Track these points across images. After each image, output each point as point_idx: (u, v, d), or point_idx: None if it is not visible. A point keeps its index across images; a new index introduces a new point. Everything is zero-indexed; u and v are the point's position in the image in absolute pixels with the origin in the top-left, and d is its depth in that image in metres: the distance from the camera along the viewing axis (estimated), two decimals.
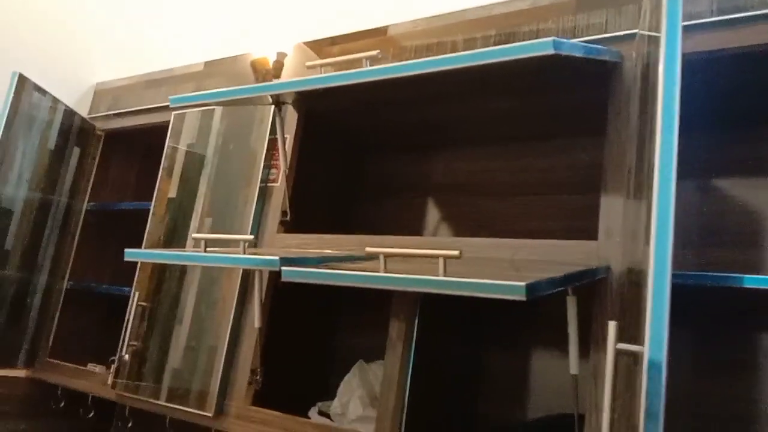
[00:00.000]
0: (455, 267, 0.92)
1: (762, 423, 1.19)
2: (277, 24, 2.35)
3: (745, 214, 1.29)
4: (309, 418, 1.46)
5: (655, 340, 0.66)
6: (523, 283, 0.78)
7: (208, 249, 1.17)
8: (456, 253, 0.90)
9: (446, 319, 1.39)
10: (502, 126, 1.50)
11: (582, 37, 1.20)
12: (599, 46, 1.08)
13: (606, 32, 1.18)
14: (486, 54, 0.91)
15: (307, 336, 1.68)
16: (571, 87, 1.25)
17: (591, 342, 1.06)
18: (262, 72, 1.84)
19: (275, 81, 1.17)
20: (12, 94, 1.74)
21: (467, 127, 1.54)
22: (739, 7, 1.06)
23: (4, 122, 1.72)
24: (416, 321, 1.27)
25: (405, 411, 1.23)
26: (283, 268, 1.01)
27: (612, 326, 0.74)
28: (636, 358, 0.73)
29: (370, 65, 1.11)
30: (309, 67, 1.16)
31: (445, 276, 0.88)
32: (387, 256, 0.97)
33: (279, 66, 1.83)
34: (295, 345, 1.62)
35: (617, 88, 1.14)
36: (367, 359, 1.56)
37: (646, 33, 0.95)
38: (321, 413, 1.49)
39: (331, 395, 1.54)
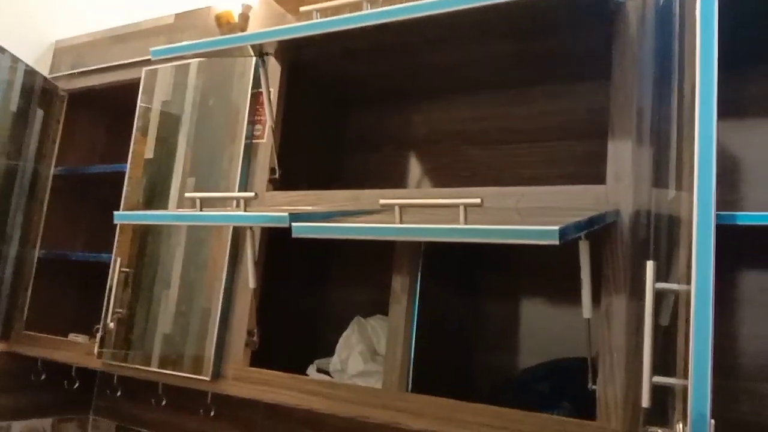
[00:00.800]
0: (473, 216, 0.90)
1: (740, 356, 1.21)
2: None
3: (726, 156, 1.30)
4: (307, 375, 1.44)
5: (702, 279, 0.66)
6: (556, 228, 0.76)
7: (204, 208, 1.13)
8: (477, 201, 0.88)
9: (446, 271, 1.38)
10: (498, 71, 1.47)
11: None
12: None
13: None
14: None
15: (300, 294, 1.65)
16: (570, 29, 1.22)
17: (602, 285, 1.06)
18: (228, 26, 1.76)
19: (271, 28, 1.10)
20: None
21: (462, 74, 1.51)
22: None
23: None
24: (419, 274, 1.26)
25: (412, 363, 1.23)
26: (293, 224, 0.97)
27: (650, 266, 0.73)
28: (676, 297, 0.73)
29: (370, 8, 1.06)
30: (303, 13, 1.10)
31: (466, 225, 0.86)
32: (402, 207, 0.94)
33: (245, 19, 1.75)
34: (288, 303, 1.59)
35: (621, 30, 1.12)
36: (361, 314, 1.54)
37: None
38: (320, 370, 1.47)
39: (326, 352, 1.53)
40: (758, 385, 1.19)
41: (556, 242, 0.76)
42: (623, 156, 1.08)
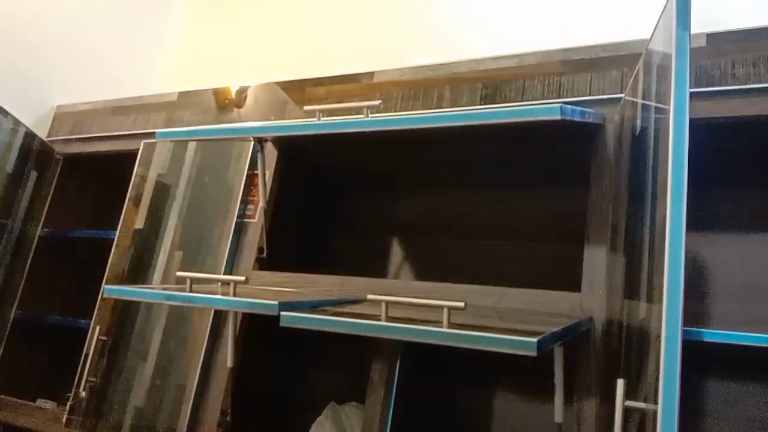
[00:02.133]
0: (456, 317, 0.95)
1: None
2: (244, 59, 2.36)
3: (695, 267, 1.37)
4: None
5: (668, 399, 0.70)
6: (534, 340, 0.81)
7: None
8: (461, 304, 0.93)
9: (424, 361, 1.41)
10: (483, 172, 1.55)
11: (566, 97, 1.27)
12: (589, 110, 1.14)
13: (590, 95, 1.25)
14: (496, 114, 0.95)
15: (276, 374, 1.66)
16: (553, 141, 1.31)
17: (575, 391, 1.10)
18: (224, 101, 1.84)
19: (278, 122, 1.17)
20: None
21: (450, 171, 1.59)
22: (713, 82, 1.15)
23: None
24: (397, 366, 1.29)
25: None
26: (282, 313, 1.00)
27: (620, 384, 0.78)
28: (644, 414, 0.77)
29: (370, 114, 1.13)
30: (307, 111, 1.17)
31: (449, 327, 0.91)
32: (389, 303, 0.98)
33: (242, 97, 1.83)
34: (264, 383, 1.59)
35: (600, 148, 1.20)
36: (336, 397, 1.55)
37: (639, 101, 1.01)
38: None
39: None
40: None
41: (534, 354, 0.80)
42: (598, 266, 1.15)
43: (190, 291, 1.15)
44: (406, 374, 1.30)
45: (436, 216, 1.71)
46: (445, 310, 0.92)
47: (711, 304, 1.33)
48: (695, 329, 1.07)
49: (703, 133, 1.20)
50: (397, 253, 1.75)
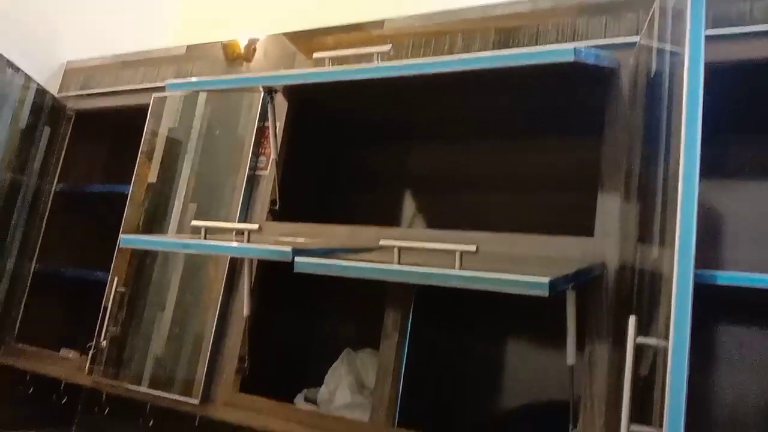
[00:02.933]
0: (468, 261, 0.96)
1: (715, 408, 1.26)
2: (252, 12, 2.33)
3: (709, 215, 1.37)
4: (294, 404, 1.47)
5: (679, 335, 0.71)
6: (546, 280, 0.81)
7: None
8: (473, 248, 0.93)
9: (437, 310, 1.43)
10: (493, 122, 1.54)
11: (580, 41, 1.25)
12: (603, 52, 1.12)
13: (605, 38, 1.22)
14: (509, 57, 0.94)
15: (291, 324, 1.69)
16: (566, 89, 1.29)
17: (586, 334, 1.11)
18: (232, 54, 1.83)
19: (287, 71, 1.16)
20: None
21: (460, 121, 1.58)
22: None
23: None
24: (411, 312, 1.31)
25: (399, 399, 1.27)
26: (296, 259, 1.02)
27: (632, 321, 0.79)
28: (655, 351, 0.78)
29: (380, 61, 1.12)
30: (316, 59, 1.16)
31: (461, 270, 0.92)
32: (402, 249, 0.99)
33: (251, 50, 1.82)
34: (279, 333, 1.63)
35: (614, 94, 1.19)
36: (350, 347, 1.58)
37: (655, 45, 1.00)
38: (307, 400, 1.50)
39: (314, 382, 1.56)
40: None
41: (546, 294, 0.81)
42: (611, 211, 1.15)
43: (205, 239, 1.16)
44: (419, 322, 1.32)
45: (449, 167, 1.71)
46: (457, 254, 0.93)
47: (724, 251, 1.33)
48: (708, 272, 1.07)
49: (718, 77, 1.18)
50: (409, 204, 1.75)
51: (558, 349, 1.45)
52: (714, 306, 1.31)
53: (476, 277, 0.85)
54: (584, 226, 1.21)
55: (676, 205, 0.77)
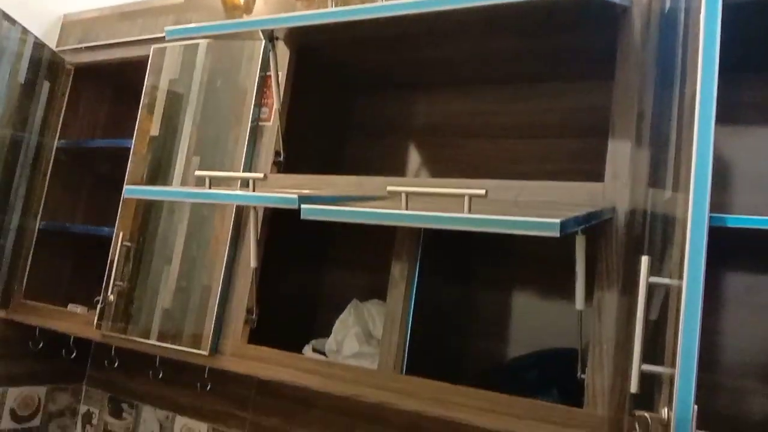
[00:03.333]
0: (476, 207, 0.94)
1: (721, 353, 1.26)
2: None
3: (722, 159, 1.35)
4: (303, 355, 1.48)
5: (693, 275, 0.70)
6: (557, 220, 0.80)
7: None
8: (482, 192, 0.92)
9: (443, 260, 1.42)
10: (501, 67, 1.51)
11: None
12: None
13: None
14: None
15: (298, 276, 1.69)
16: (575, 30, 1.26)
17: (595, 279, 1.10)
18: (231, 7, 1.78)
19: (287, 14, 1.13)
20: None
21: (466, 67, 1.54)
22: None
23: None
24: (418, 262, 1.30)
25: (407, 347, 1.27)
26: (303, 206, 1.00)
27: (645, 261, 0.78)
28: (667, 292, 0.77)
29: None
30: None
31: (471, 213, 0.90)
32: (409, 194, 0.98)
33: (251, 0, 1.77)
34: (286, 284, 1.63)
35: (626, 34, 1.15)
36: (356, 298, 1.58)
37: None
38: (315, 350, 1.51)
39: (322, 334, 1.57)
40: (736, 381, 1.24)
41: (557, 234, 0.80)
42: (622, 155, 1.12)
43: (210, 189, 1.15)
44: (426, 272, 1.31)
45: (454, 116, 1.69)
46: (466, 198, 0.92)
47: (736, 195, 1.31)
48: (718, 215, 1.05)
49: (733, 16, 1.14)
50: (414, 154, 1.73)
51: (564, 298, 1.45)
52: (722, 250, 1.29)
53: (487, 220, 0.84)
54: (593, 173, 1.19)
55: (691, 146, 0.75)
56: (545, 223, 0.80)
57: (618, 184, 1.11)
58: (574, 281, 1.11)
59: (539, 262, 1.51)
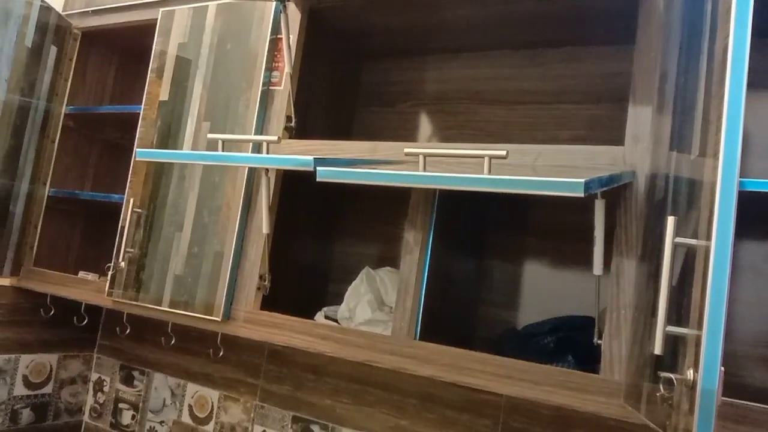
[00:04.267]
0: (496, 170, 0.92)
1: (737, 321, 1.25)
2: None
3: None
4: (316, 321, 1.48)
5: (721, 236, 0.69)
6: (582, 180, 0.78)
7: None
8: (503, 152, 0.90)
9: (455, 229, 1.40)
10: (518, 31, 1.48)
11: None
12: None
13: None
14: None
15: (309, 243, 1.68)
16: None
17: (614, 244, 1.09)
18: None
19: None
20: None
21: (481, 32, 1.51)
22: None
23: None
24: (432, 228, 1.28)
25: (421, 313, 1.26)
26: (318, 168, 0.99)
27: (671, 221, 0.76)
28: (691, 253, 0.75)
29: None
30: None
31: (491, 175, 0.88)
32: (427, 156, 0.96)
33: None
34: (297, 252, 1.62)
35: None
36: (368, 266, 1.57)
37: None
38: (327, 318, 1.51)
39: (332, 302, 1.57)
40: (751, 349, 1.23)
41: (582, 194, 0.78)
42: (643, 118, 1.10)
43: (222, 152, 1.13)
44: (438, 241, 1.30)
45: (469, 81, 1.66)
46: (486, 159, 0.90)
47: (753, 162, 1.28)
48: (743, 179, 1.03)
49: None
50: (426, 121, 1.71)
51: (576, 267, 1.44)
52: (741, 216, 1.27)
53: (510, 180, 0.82)
54: (611, 140, 1.17)
55: (722, 105, 0.73)
56: (570, 183, 0.78)
57: (639, 148, 1.09)
58: (587, 250, 1.10)
59: (550, 231, 1.50)
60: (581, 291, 1.39)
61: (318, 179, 0.98)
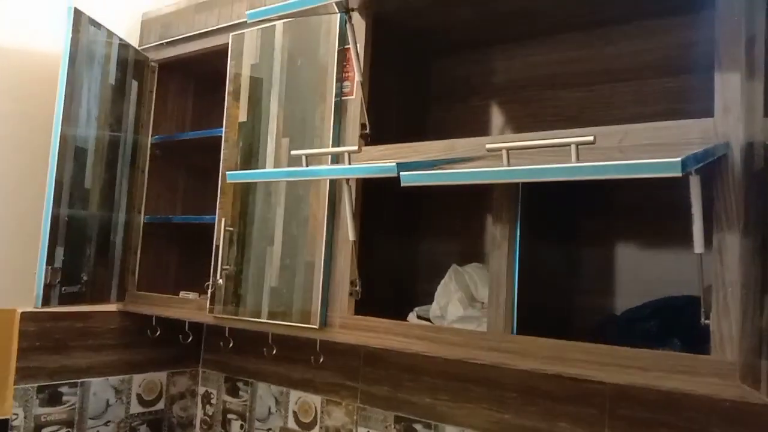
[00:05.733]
0: (583, 156, 0.91)
1: None
2: None
3: None
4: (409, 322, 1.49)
5: None
6: (678, 159, 0.76)
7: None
8: (590, 138, 0.89)
9: (542, 218, 1.39)
10: (583, 11, 1.45)
11: None
12: None
13: None
14: None
15: (393, 246, 1.70)
16: None
17: (714, 221, 1.05)
18: None
19: None
20: (71, 30, 1.70)
21: (547, 16, 1.49)
22: None
23: (67, 59, 1.69)
24: (518, 220, 1.27)
25: (516, 306, 1.26)
26: (402, 173, 1.00)
27: None
28: None
29: None
30: None
31: (581, 163, 0.87)
32: (510, 149, 0.95)
33: None
34: (383, 255, 1.64)
35: None
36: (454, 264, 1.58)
37: None
38: (420, 317, 1.52)
39: (422, 301, 1.58)
40: None
41: (679, 174, 0.76)
42: (732, 87, 1.05)
43: (307, 167, 1.16)
44: (526, 231, 1.29)
45: (538, 67, 1.64)
46: (573, 147, 0.89)
47: None
48: None
49: None
50: (498, 113, 1.70)
51: (669, 247, 1.40)
52: None
53: (601, 167, 0.80)
54: (697, 112, 1.12)
55: None
56: (666, 164, 0.76)
57: (730, 118, 1.05)
58: (678, 228, 1.06)
59: (640, 213, 1.46)
60: (677, 271, 1.34)
61: (402, 184, 1.00)
